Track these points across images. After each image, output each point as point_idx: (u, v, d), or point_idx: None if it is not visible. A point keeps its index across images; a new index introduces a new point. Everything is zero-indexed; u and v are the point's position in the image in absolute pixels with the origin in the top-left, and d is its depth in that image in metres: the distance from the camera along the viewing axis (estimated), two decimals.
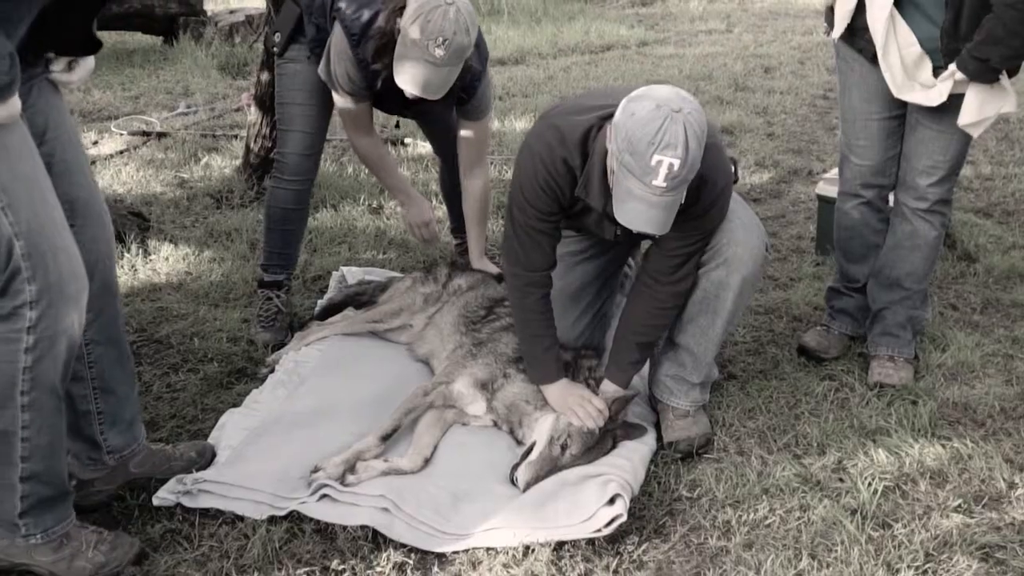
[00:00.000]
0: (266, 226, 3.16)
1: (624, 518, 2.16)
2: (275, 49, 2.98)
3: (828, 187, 3.54)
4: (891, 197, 2.92)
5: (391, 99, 2.85)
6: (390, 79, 2.68)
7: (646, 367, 2.72)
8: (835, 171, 3.20)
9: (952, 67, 2.51)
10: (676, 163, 1.98)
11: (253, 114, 4.31)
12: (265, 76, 4.14)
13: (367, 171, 4.54)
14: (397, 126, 3.06)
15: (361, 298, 3.15)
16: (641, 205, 2.05)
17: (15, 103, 1.69)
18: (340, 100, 2.84)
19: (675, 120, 1.98)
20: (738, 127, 5.39)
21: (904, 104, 2.71)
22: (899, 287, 2.86)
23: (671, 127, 1.97)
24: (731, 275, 2.39)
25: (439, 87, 2.59)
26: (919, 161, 2.72)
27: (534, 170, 2.30)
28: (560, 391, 2.46)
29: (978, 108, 2.51)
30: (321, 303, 3.23)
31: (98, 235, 2.07)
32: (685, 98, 2.04)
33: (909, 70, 2.59)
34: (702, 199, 2.25)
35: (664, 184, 2.00)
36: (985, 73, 2.46)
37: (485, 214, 3.19)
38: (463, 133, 3.01)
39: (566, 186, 2.29)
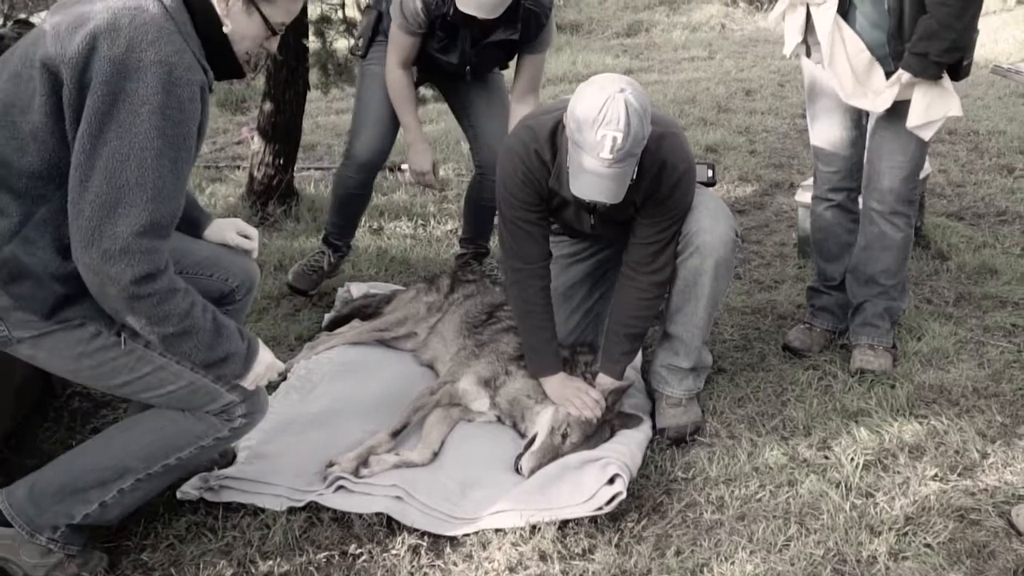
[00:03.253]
0: (332, 202, 3.56)
1: (624, 495, 2.28)
2: (358, 52, 3.40)
3: (807, 194, 3.69)
4: (861, 199, 3.09)
5: (462, 34, 3.12)
6: (458, 12, 2.98)
7: (640, 360, 2.87)
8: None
9: (897, 73, 2.69)
10: (619, 136, 2.22)
11: (256, 143, 4.47)
12: (268, 107, 4.31)
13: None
14: (467, 74, 3.31)
15: (367, 310, 3.29)
16: (594, 177, 2.28)
17: (265, 356, 2.08)
18: (396, 27, 3.14)
19: (616, 100, 2.23)
20: (722, 145, 5.56)
21: (866, 112, 2.89)
22: (875, 283, 3.01)
23: (612, 106, 2.23)
24: (705, 260, 2.57)
25: (493, 7, 2.93)
26: (880, 162, 2.89)
27: (513, 167, 2.53)
28: (559, 383, 2.61)
29: (925, 110, 2.69)
30: (329, 316, 3.37)
31: (243, 267, 2.37)
32: (624, 80, 2.31)
33: (860, 77, 2.75)
34: (664, 182, 2.47)
35: (611, 156, 2.24)
36: (927, 68, 2.64)
37: None
38: (523, 65, 3.30)
39: (542, 178, 2.52)
